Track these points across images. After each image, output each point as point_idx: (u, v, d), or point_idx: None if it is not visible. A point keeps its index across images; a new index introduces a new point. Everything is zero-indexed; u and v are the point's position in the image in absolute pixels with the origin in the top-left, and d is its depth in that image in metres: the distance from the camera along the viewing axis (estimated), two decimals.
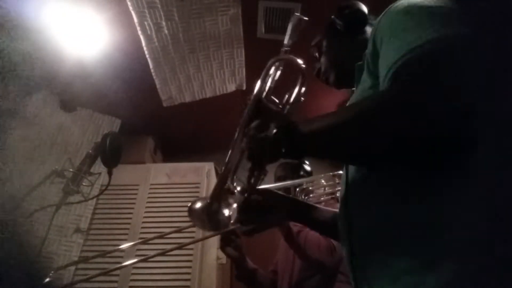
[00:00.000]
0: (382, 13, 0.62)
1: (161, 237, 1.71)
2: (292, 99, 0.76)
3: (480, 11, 0.51)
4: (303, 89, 0.76)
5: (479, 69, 0.45)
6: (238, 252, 1.35)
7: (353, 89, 0.86)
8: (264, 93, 0.79)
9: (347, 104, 0.72)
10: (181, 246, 1.84)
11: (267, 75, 0.79)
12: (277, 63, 0.80)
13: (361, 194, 0.62)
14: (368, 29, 0.89)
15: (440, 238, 0.45)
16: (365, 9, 0.91)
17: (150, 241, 1.68)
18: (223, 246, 1.35)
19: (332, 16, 0.93)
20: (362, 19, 0.90)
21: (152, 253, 1.98)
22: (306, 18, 0.85)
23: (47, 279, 1.25)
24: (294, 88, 0.76)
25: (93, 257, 1.74)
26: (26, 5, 1.39)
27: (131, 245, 1.65)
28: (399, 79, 0.49)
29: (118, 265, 1.65)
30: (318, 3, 1.84)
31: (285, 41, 0.83)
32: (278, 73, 0.82)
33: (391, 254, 0.50)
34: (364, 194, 0.61)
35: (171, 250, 1.64)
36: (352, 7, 0.91)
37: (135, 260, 1.56)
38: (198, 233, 2.03)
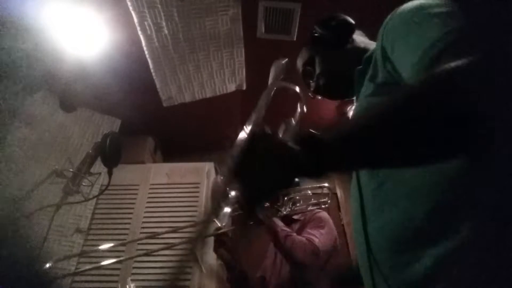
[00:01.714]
0: (388, 18, 0.63)
1: (153, 237, 1.72)
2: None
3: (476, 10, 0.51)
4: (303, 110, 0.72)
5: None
6: (231, 255, 1.36)
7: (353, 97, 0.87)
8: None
9: (353, 112, 0.73)
10: (182, 243, 1.84)
11: (262, 105, 0.72)
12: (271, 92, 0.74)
13: (377, 202, 0.61)
14: (356, 38, 0.91)
15: (449, 239, 0.46)
16: (350, 19, 0.92)
17: (151, 239, 1.69)
18: (215, 248, 1.36)
19: (316, 29, 0.94)
20: (351, 28, 0.91)
21: (153, 245, 2.00)
22: (286, 60, 0.81)
23: (48, 265, 1.26)
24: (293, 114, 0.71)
25: (93, 251, 1.75)
26: (26, 5, 1.39)
27: (131, 241, 1.66)
28: (442, 60, 0.47)
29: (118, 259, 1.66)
30: (318, 3, 1.84)
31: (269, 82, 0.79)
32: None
33: (406, 252, 0.52)
34: (379, 202, 0.61)
35: (176, 244, 1.65)
36: (337, 18, 0.92)
37: (134, 255, 1.56)
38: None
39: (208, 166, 2.39)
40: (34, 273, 1.33)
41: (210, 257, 2.07)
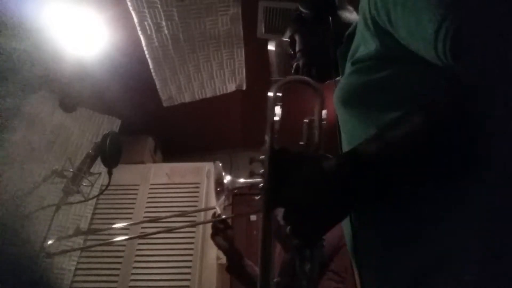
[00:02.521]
0: None
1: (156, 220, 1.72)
2: (317, 130, 0.62)
3: None
4: (324, 112, 0.63)
5: None
6: (229, 243, 1.33)
7: (337, 79, 0.80)
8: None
9: (336, 90, 0.66)
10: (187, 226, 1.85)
11: (273, 108, 0.64)
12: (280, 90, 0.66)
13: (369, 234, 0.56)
14: (340, 13, 0.84)
15: (435, 252, 0.44)
16: None
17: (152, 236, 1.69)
18: (213, 235, 1.33)
19: (298, 7, 0.87)
20: (330, 2, 0.83)
21: (153, 245, 2.00)
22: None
23: (50, 242, 1.27)
24: (311, 113, 0.63)
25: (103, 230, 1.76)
26: (26, 5, 1.39)
27: (131, 224, 1.67)
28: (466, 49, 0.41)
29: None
30: None
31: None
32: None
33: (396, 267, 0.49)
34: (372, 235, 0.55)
35: (175, 228, 1.64)
36: None
37: (125, 237, 1.57)
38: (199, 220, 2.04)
39: (208, 166, 2.39)
40: (34, 273, 1.33)
41: (210, 257, 2.08)
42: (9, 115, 1.50)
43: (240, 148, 3.19)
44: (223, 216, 1.35)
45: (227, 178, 0.89)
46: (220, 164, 0.93)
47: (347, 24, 0.79)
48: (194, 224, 2.01)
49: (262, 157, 0.60)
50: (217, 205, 0.91)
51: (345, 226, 0.61)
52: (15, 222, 1.42)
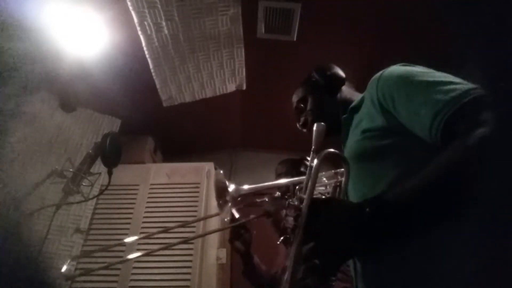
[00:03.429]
0: (378, 76, 0.77)
1: (165, 231, 1.73)
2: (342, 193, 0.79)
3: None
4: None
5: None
6: (246, 248, 1.34)
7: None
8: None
9: (346, 153, 0.84)
10: (185, 241, 1.85)
11: (316, 174, 0.76)
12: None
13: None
14: (344, 89, 1.08)
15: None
16: (342, 73, 1.09)
17: (153, 237, 1.69)
18: (231, 239, 1.35)
19: (313, 75, 1.10)
20: (342, 81, 1.08)
21: (153, 245, 2.00)
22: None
23: (65, 267, 1.29)
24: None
25: (96, 251, 1.76)
26: (26, 5, 1.39)
27: (135, 239, 1.67)
28: (461, 126, 0.57)
29: (121, 259, 1.67)
30: (318, 3, 1.84)
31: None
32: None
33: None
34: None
35: (176, 244, 1.66)
36: (332, 69, 1.09)
37: (138, 254, 1.57)
38: (199, 229, 2.04)
39: (208, 166, 2.39)
40: (34, 273, 1.33)
41: (210, 257, 2.08)
42: (9, 115, 1.50)
43: (240, 148, 3.19)
44: (241, 220, 1.35)
45: (231, 187, 0.92)
46: (222, 172, 0.99)
47: (349, 99, 1.03)
48: (206, 234, 2.00)
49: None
50: (222, 213, 0.94)
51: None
52: (15, 222, 1.42)
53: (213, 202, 2.44)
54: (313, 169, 0.76)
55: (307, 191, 0.73)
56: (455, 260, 0.54)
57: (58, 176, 1.71)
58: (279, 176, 1.70)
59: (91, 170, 1.59)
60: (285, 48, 2.13)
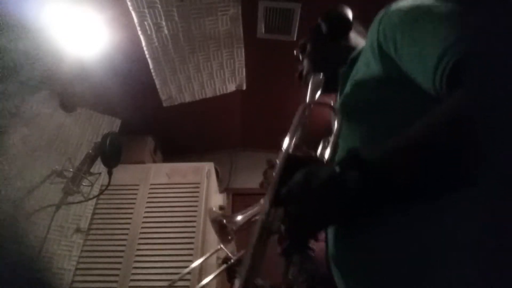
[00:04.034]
0: (381, 15, 0.62)
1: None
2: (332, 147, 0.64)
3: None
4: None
5: None
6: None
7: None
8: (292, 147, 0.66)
9: (341, 102, 0.71)
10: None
11: (297, 125, 0.68)
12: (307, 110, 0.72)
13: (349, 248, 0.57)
14: (352, 36, 0.90)
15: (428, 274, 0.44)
16: (350, 15, 0.91)
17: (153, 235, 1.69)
18: (229, 279, 1.32)
19: (319, 20, 0.93)
20: (346, 25, 0.90)
21: (153, 245, 2.00)
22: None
23: None
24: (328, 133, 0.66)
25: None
26: (26, 5, 1.39)
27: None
28: (475, 70, 0.43)
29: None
30: (318, 3, 1.84)
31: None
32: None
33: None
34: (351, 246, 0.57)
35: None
36: (338, 12, 0.91)
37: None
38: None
39: (208, 166, 2.39)
40: (34, 273, 1.33)
41: (210, 257, 2.08)
42: (9, 115, 1.50)
43: (240, 148, 3.19)
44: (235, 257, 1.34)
45: (226, 221, 0.89)
46: (214, 209, 0.96)
47: (354, 47, 0.85)
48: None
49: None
50: (223, 247, 0.94)
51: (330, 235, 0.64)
52: (15, 222, 1.42)
53: (213, 203, 2.44)
54: (294, 120, 0.67)
55: (285, 146, 0.64)
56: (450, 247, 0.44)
57: (58, 176, 1.71)
58: None
59: (91, 170, 1.60)
60: (285, 48, 2.13)
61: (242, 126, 2.95)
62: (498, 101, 0.40)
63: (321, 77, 0.75)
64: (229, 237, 0.87)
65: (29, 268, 1.34)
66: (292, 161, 0.60)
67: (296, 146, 0.65)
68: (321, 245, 1.32)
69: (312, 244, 1.38)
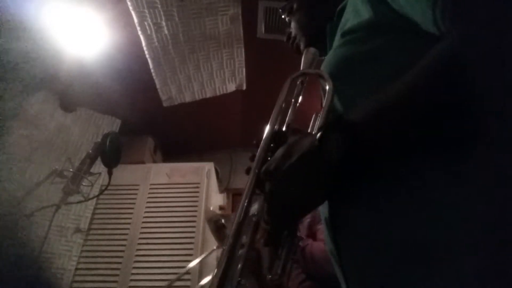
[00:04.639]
0: None
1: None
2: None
3: None
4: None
5: None
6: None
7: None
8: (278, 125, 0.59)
9: (323, 66, 0.62)
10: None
11: (282, 100, 0.62)
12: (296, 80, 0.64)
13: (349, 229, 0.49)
14: None
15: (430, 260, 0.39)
16: None
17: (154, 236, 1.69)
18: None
19: None
20: None
21: (153, 245, 2.00)
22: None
23: None
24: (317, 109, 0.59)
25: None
26: (26, 5, 1.39)
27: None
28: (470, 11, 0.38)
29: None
30: None
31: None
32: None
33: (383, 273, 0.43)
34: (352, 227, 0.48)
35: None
36: None
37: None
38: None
39: (208, 166, 2.39)
40: (34, 273, 1.33)
41: (210, 257, 2.07)
42: (9, 115, 1.50)
43: (240, 148, 3.19)
44: None
45: (224, 221, 0.87)
46: (211, 208, 0.91)
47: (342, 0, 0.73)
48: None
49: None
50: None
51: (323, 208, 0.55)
52: (15, 222, 1.42)
53: (213, 203, 2.44)
54: (280, 95, 0.60)
55: (270, 123, 0.56)
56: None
57: (58, 176, 1.71)
58: None
59: (91, 170, 1.60)
60: (285, 48, 2.13)
61: (242, 126, 2.94)
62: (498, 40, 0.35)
63: (313, 51, 0.67)
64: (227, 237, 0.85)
65: (29, 268, 1.34)
66: (277, 137, 0.53)
67: (288, 126, 0.58)
68: (320, 245, 1.31)
69: (311, 244, 1.34)
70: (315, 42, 0.77)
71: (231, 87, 2.39)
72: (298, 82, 0.64)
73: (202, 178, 2.31)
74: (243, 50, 2.14)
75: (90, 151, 1.58)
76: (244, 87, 2.39)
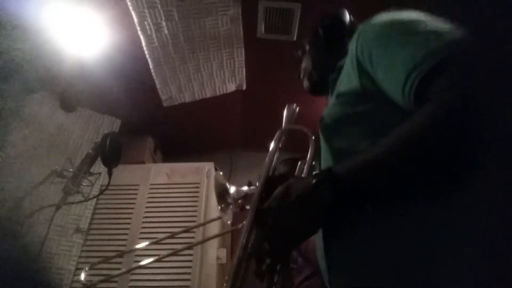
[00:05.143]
0: (360, 29, 0.64)
1: (171, 237, 1.74)
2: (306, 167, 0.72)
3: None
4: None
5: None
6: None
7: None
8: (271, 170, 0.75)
9: (323, 116, 0.72)
10: (189, 247, 1.86)
11: (275, 150, 0.77)
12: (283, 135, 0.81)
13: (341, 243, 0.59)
14: (348, 40, 0.86)
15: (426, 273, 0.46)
16: (346, 19, 0.92)
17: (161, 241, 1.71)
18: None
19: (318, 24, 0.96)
20: (340, 30, 0.91)
21: (153, 245, 2.00)
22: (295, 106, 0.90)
23: (83, 276, 1.28)
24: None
25: (114, 257, 1.77)
26: (26, 5, 1.39)
27: (146, 244, 1.68)
28: (434, 89, 0.47)
29: (137, 265, 1.68)
30: (318, 3, 1.84)
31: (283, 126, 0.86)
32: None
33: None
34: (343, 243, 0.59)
35: (181, 250, 1.67)
36: (334, 17, 0.93)
37: (150, 260, 1.57)
38: (198, 234, 2.04)
39: (208, 166, 2.39)
40: (34, 273, 1.33)
41: (210, 257, 2.08)
42: (9, 115, 1.50)
43: (240, 148, 3.19)
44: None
45: (232, 189, 0.92)
46: (221, 173, 0.99)
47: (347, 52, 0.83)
48: (210, 238, 2.01)
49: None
50: (224, 215, 0.96)
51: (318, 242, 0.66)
52: (15, 222, 1.42)
53: (213, 203, 2.44)
54: (271, 148, 0.73)
55: (263, 171, 0.68)
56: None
57: (58, 176, 1.71)
58: None
59: (91, 170, 1.59)
60: (285, 48, 2.13)
61: (242, 126, 2.94)
62: (459, 117, 0.43)
63: (293, 108, 0.83)
64: (229, 205, 0.91)
65: (29, 268, 1.34)
66: (271, 182, 0.64)
67: (274, 170, 0.72)
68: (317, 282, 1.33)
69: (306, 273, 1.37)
70: (316, 88, 0.92)
71: (231, 87, 2.39)
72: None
73: (202, 178, 2.31)
74: (243, 50, 2.14)
75: (90, 151, 1.57)
76: (244, 87, 2.39)
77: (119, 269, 1.96)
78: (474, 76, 0.43)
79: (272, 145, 0.78)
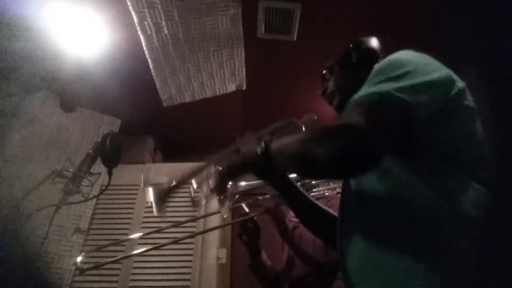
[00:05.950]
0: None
1: (175, 226, 1.80)
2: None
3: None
4: None
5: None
6: (254, 241, 1.36)
7: None
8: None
9: None
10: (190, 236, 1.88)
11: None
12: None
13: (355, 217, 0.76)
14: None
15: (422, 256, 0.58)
16: (377, 48, 1.01)
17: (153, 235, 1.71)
18: (240, 233, 1.38)
19: (351, 46, 1.04)
20: (373, 58, 0.97)
21: (153, 245, 2.00)
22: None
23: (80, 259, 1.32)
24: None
25: (106, 246, 1.78)
26: (26, 5, 1.39)
27: (141, 235, 1.69)
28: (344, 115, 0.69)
29: (126, 254, 1.69)
30: (318, 3, 1.84)
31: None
32: None
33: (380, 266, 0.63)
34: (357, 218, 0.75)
35: (182, 238, 1.76)
36: (368, 44, 1.01)
37: (143, 249, 1.58)
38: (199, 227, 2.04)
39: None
40: (34, 273, 1.33)
41: (210, 257, 2.08)
42: (9, 115, 1.50)
43: None
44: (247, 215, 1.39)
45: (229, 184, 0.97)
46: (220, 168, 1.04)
47: None
48: (210, 229, 2.01)
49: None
50: (222, 210, 1.00)
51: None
52: (15, 222, 1.42)
53: (214, 203, 2.43)
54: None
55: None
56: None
57: (58, 176, 1.71)
58: None
59: (91, 170, 1.59)
60: (285, 48, 2.13)
61: (242, 126, 2.94)
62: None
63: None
64: (226, 196, 1.01)
65: (29, 268, 1.34)
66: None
67: None
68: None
69: (302, 227, 1.44)
70: (341, 108, 1.01)
71: (231, 87, 2.39)
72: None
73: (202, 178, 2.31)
74: (243, 50, 2.13)
75: (90, 151, 1.57)
76: (244, 87, 2.39)
77: (118, 269, 1.96)
78: (371, 135, 0.59)
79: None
